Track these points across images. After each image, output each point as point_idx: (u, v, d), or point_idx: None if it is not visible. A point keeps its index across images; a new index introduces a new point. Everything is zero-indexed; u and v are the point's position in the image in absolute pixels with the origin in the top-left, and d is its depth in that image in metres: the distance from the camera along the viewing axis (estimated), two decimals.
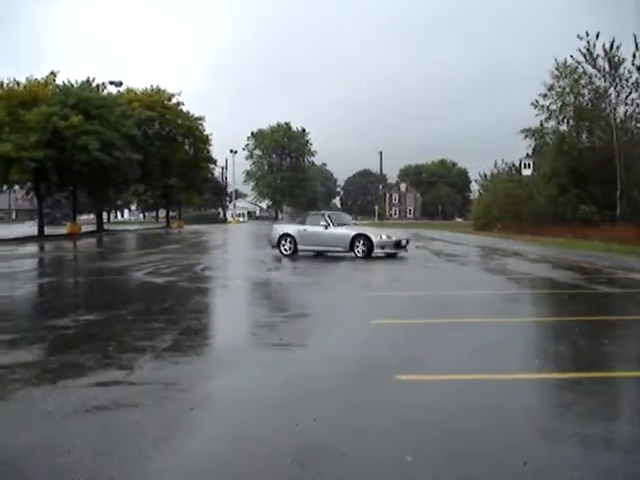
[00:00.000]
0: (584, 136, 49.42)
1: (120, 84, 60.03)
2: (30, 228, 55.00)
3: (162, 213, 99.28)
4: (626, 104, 45.57)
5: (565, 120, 48.79)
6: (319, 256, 23.76)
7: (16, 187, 59.76)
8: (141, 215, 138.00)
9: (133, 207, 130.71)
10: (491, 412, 5.53)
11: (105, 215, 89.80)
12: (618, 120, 45.75)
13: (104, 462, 4.37)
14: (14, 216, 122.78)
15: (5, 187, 55.33)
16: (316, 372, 6.96)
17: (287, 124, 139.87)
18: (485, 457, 4.51)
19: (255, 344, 8.62)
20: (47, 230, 48.48)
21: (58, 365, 7.21)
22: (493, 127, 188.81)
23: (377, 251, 22.74)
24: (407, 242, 24.40)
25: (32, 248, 34.05)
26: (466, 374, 6.73)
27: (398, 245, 23.50)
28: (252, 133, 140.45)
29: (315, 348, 8.33)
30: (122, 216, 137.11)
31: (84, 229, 54.15)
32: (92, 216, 76.35)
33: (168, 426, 5.10)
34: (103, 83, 53.60)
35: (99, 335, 8.96)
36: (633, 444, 4.86)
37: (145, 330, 9.32)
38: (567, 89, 47.67)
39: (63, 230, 52.30)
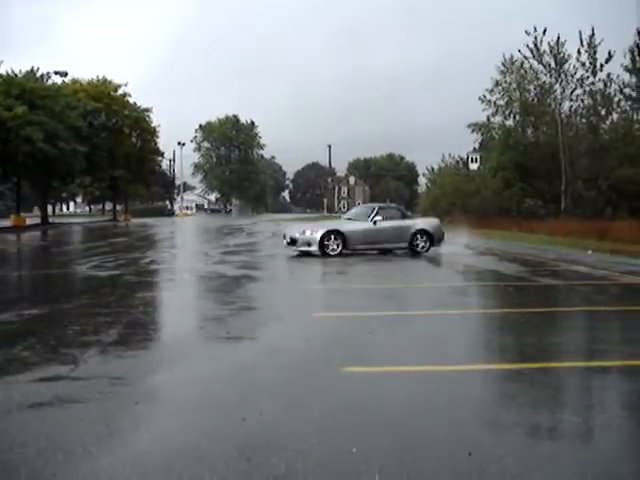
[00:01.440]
0: (530, 131, 50.31)
1: (65, 74, 59.14)
2: None
3: (109, 206, 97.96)
4: (571, 100, 46.57)
5: (511, 115, 49.66)
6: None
7: None
8: (87, 208, 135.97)
9: (79, 199, 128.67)
10: (437, 403, 5.59)
11: (50, 208, 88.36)
12: (563, 115, 46.65)
13: (48, 458, 4.30)
14: None
15: None
16: (263, 365, 6.94)
17: (235, 117, 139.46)
18: (431, 448, 4.56)
19: (202, 337, 8.57)
20: None
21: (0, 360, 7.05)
22: (442, 121, 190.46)
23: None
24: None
25: None
26: (414, 366, 6.79)
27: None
28: (200, 125, 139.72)
29: (262, 341, 8.31)
30: (67, 209, 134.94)
31: (29, 222, 53.13)
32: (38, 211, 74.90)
33: (113, 421, 5.03)
34: (48, 73, 52.87)
35: (43, 330, 8.80)
36: (576, 433, 4.97)
37: (90, 324, 9.18)
38: (513, 85, 48.43)
39: (7, 223, 51.26)
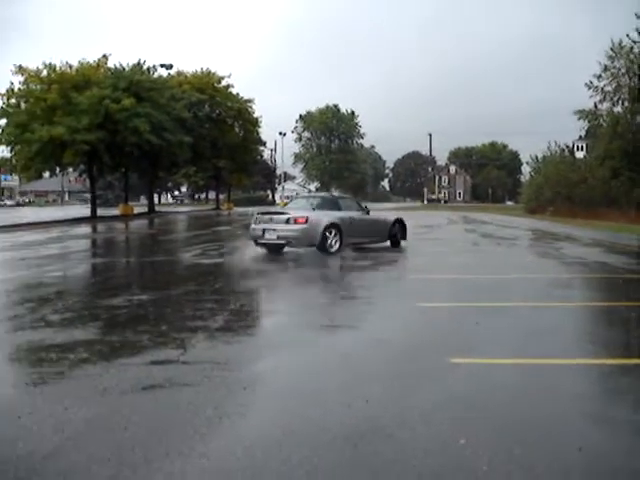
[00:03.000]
0: (639, 118, 48.33)
1: (170, 67, 60.62)
2: (83, 209, 55.94)
3: (212, 195, 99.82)
4: None
5: (620, 101, 47.77)
6: None
7: (69, 169, 60.80)
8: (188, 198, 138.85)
9: (184, 189, 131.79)
10: (546, 396, 5.48)
11: (156, 197, 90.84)
12: None
13: (160, 439, 4.44)
14: (67, 197, 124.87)
15: (58, 169, 56.14)
16: (367, 354, 6.95)
17: (336, 106, 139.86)
18: (539, 442, 4.46)
19: (305, 326, 8.66)
20: (100, 212, 49.22)
21: (113, 344, 7.31)
22: (546, 108, 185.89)
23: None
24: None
25: (85, 229, 34.64)
26: (520, 358, 6.68)
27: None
28: (301, 116, 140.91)
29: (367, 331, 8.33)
30: (173, 198, 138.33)
31: (136, 211, 54.82)
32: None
33: (221, 405, 5.14)
34: (154, 66, 53.98)
35: (152, 315, 9.08)
36: None
37: (198, 310, 9.41)
38: (622, 70, 46.64)
39: (115, 212, 53.06)
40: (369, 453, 4.23)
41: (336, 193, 23.76)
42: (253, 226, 18.40)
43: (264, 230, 17.74)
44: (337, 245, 17.81)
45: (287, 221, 17.48)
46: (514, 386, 5.78)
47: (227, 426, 4.73)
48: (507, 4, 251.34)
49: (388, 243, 20.23)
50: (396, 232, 20.45)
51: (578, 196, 49.42)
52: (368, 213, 20.32)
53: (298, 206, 19.77)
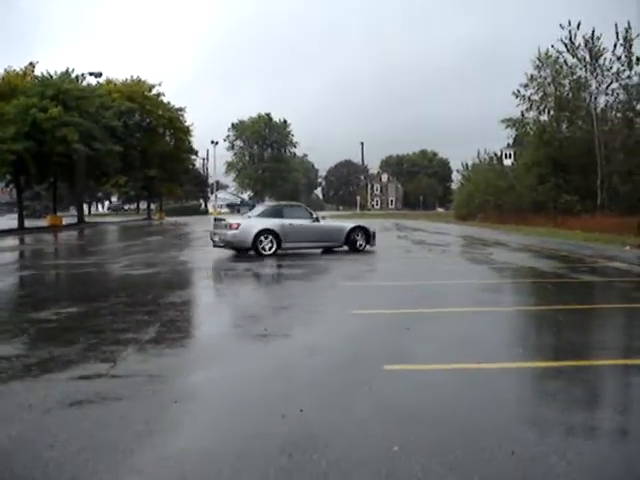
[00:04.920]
0: (564, 126, 49.60)
1: (100, 75, 59.54)
2: (10, 221, 54.51)
3: (143, 205, 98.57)
4: (606, 94, 45.77)
5: (546, 110, 48.95)
6: None
7: None
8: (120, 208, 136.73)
9: (114, 199, 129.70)
10: (479, 401, 5.53)
11: (86, 208, 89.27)
12: (598, 110, 46.00)
13: (89, 456, 4.31)
14: None
15: None
16: (301, 363, 6.91)
17: (268, 115, 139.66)
18: (472, 447, 4.49)
19: (238, 335, 8.59)
20: (27, 223, 47.99)
21: (40, 358, 7.09)
22: (475, 117, 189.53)
23: None
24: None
25: (12, 241, 33.78)
26: (450, 364, 6.73)
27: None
28: (233, 124, 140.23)
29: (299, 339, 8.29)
30: (103, 208, 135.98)
31: (65, 222, 53.69)
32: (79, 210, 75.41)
33: (153, 420, 5.03)
34: (82, 74, 53.06)
35: (81, 328, 8.87)
36: (614, 431, 4.89)
37: (127, 323, 9.23)
38: (548, 79, 47.83)
39: (44, 223, 51.83)
40: (304, 463, 4.19)
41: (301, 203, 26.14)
42: (210, 230, 21.73)
43: (214, 234, 20.97)
44: (273, 249, 20.01)
45: (226, 227, 20.39)
46: (447, 391, 5.83)
47: (158, 440, 4.64)
48: (439, 16, 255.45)
49: (346, 247, 21.52)
50: (355, 238, 21.62)
51: (507, 202, 50.48)
52: (317, 220, 21.76)
53: (250, 213, 22.68)
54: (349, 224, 22.54)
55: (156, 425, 4.90)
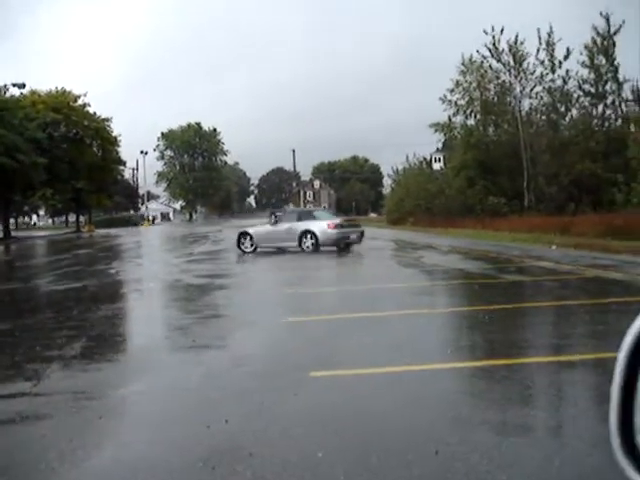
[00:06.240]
0: (491, 130, 50.60)
1: (23, 86, 58.05)
2: None
3: (72, 217, 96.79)
4: (531, 97, 46.88)
5: (472, 114, 49.85)
6: None
7: None
8: (49, 220, 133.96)
9: (42, 212, 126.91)
10: (405, 403, 5.57)
11: (13, 222, 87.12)
12: (523, 113, 47.03)
13: (9, 477, 4.20)
14: None
15: None
16: (230, 373, 6.86)
17: (198, 124, 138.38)
18: (397, 451, 4.51)
19: (169, 347, 8.48)
20: None
21: None
22: (406, 122, 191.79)
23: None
24: None
25: None
26: (378, 367, 6.77)
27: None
28: (162, 133, 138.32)
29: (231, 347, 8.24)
30: (31, 222, 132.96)
31: None
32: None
33: (77, 437, 4.92)
34: (5, 85, 51.97)
35: (4, 345, 8.64)
36: (545, 428, 4.98)
37: (53, 339, 9.01)
38: (473, 84, 48.71)
39: None
40: (227, 474, 4.15)
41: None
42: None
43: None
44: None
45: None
46: (373, 395, 5.86)
47: (81, 458, 4.53)
48: (367, 21, 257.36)
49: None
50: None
51: (437, 206, 51.07)
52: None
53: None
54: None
55: (79, 442, 4.79)
